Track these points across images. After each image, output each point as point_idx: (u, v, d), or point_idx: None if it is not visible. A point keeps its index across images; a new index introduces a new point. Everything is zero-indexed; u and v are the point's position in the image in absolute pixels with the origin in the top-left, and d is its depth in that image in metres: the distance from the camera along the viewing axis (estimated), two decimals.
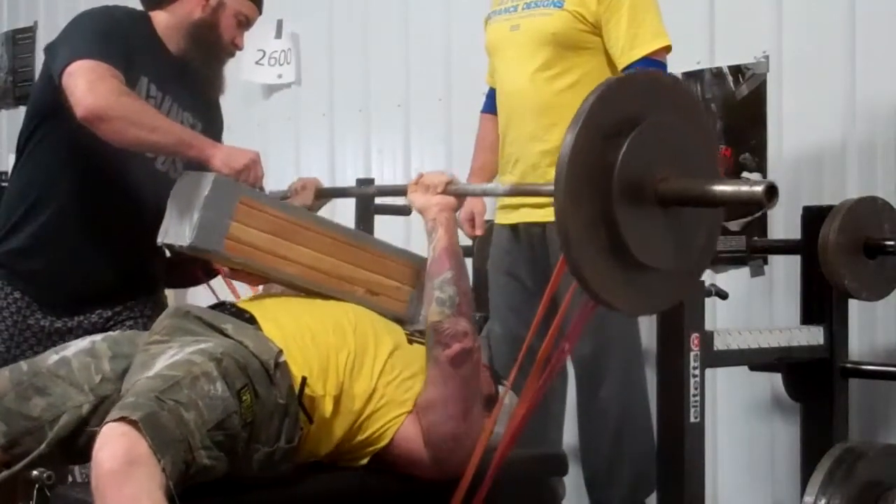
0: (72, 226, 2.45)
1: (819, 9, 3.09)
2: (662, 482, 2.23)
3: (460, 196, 2.26)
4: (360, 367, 2.05)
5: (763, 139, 3.17)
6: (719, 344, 2.29)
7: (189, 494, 1.72)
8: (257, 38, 4.04)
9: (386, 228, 3.50)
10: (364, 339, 2.08)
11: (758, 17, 3.20)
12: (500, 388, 2.24)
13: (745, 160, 3.19)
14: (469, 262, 2.85)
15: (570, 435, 2.96)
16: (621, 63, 2.67)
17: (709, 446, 2.29)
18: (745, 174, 3.17)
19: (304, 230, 2.26)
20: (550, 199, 2.62)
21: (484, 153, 2.99)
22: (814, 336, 2.59)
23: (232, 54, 2.58)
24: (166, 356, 1.90)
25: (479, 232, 2.97)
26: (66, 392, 1.98)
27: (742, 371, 2.97)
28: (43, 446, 1.91)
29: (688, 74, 3.26)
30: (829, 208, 2.63)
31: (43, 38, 5.53)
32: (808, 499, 2.31)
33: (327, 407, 2.00)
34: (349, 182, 4.04)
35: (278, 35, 4.49)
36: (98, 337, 2.11)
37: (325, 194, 2.56)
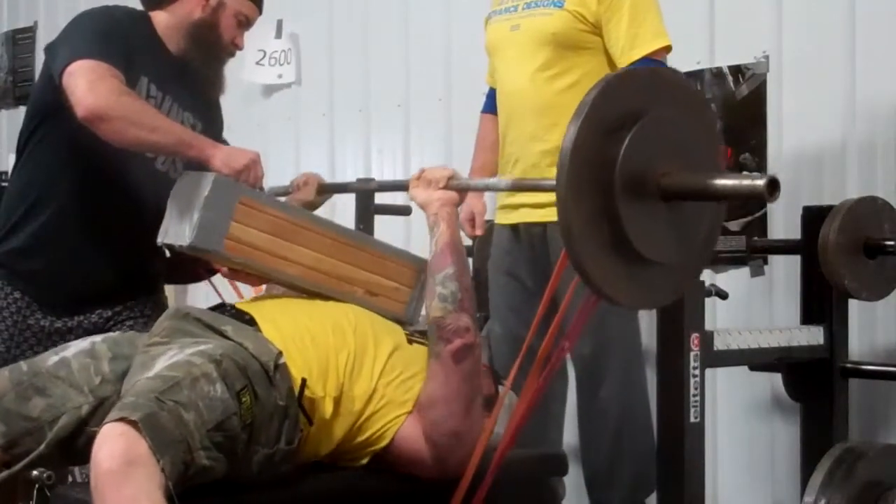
0: (72, 226, 2.45)
1: (819, 9, 3.09)
2: (662, 482, 2.23)
3: (462, 191, 2.25)
4: (359, 368, 2.05)
5: (763, 139, 3.17)
6: (719, 344, 2.29)
7: (188, 494, 1.72)
8: (257, 38, 4.03)
9: (386, 228, 3.50)
10: (364, 340, 2.08)
11: (758, 17, 3.20)
12: (500, 388, 2.24)
13: (745, 160, 3.19)
14: (469, 262, 2.85)
15: (570, 435, 2.96)
16: (621, 63, 2.68)
17: (709, 446, 2.29)
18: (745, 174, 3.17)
19: (304, 231, 2.25)
20: (551, 200, 2.64)
21: (484, 153, 2.99)
22: (814, 336, 2.59)
23: (232, 54, 2.58)
24: (166, 357, 1.90)
25: (479, 232, 2.97)
26: (65, 393, 1.98)
27: (742, 371, 2.97)
28: (42, 447, 1.91)
29: (688, 74, 3.25)
30: (829, 208, 2.63)
31: (43, 38, 5.53)
32: (808, 499, 2.31)
33: (327, 408, 1.99)
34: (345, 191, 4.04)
35: (278, 35, 4.49)
36: (98, 338, 2.11)
37: (327, 189, 2.56)
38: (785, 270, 3.10)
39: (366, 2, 4.31)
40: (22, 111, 3.39)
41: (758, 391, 3.18)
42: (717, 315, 3.05)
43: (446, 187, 2.20)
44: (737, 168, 3.19)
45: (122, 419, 1.69)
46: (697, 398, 2.16)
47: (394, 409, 2.05)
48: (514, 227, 2.85)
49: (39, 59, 4.38)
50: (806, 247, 2.67)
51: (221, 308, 2.14)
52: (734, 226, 3.19)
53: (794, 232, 2.84)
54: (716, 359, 2.30)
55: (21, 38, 5.88)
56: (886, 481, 2.37)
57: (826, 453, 2.38)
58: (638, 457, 2.70)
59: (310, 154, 4.46)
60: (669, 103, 1.82)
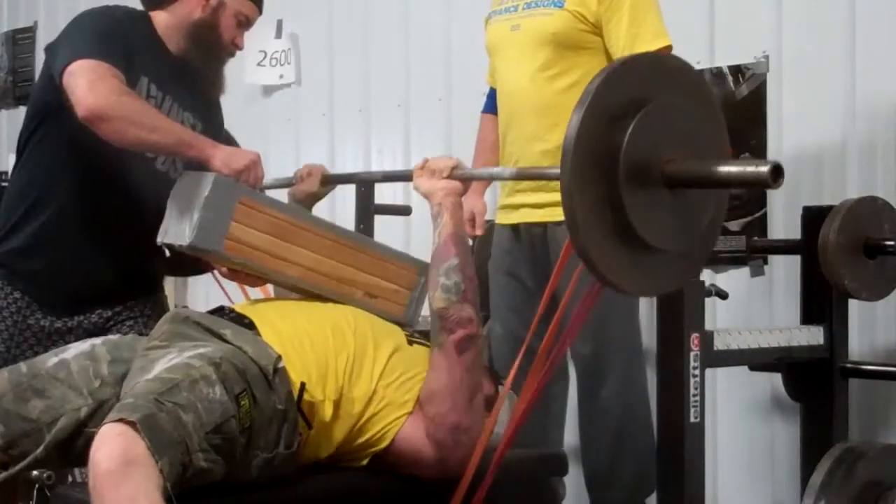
0: (72, 226, 2.45)
1: (819, 9, 3.09)
2: (662, 482, 2.23)
3: (466, 180, 2.24)
4: (359, 370, 2.04)
5: (763, 139, 3.17)
6: (719, 344, 2.29)
7: (187, 494, 1.72)
8: (257, 38, 4.03)
9: (386, 229, 3.50)
10: (363, 342, 2.08)
11: (758, 17, 3.20)
12: (500, 388, 2.24)
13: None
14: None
15: (570, 435, 2.96)
16: None
17: (709, 446, 2.28)
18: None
19: (304, 232, 2.25)
20: (551, 200, 2.65)
21: (485, 153, 2.99)
22: (814, 336, 2.59)
23: (232, 54, 2.58)
24: (165, 360, 1.90)
25: (479, 232, 2.97)
26: (64, 395, 1.98)
27: (742, 371, 2.97)
28: (40, 449, 1.91)
29: None
30: (829, 208, 2.64)
31: (43, 38, 5.53)
32: (808, 499, 2.30)
33: (327, 411, 1.99)
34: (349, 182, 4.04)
35: (278, 35, 4.49)
36: (98, 340, 2.12)
37: (330, 181, 2.56)
38: (785, 270, 3.10)
39: (366, 2, 4.31)
40: (22, 111, 3.39)
41: (758, 391, 3.18)
42: (717, 315, 3.05)
43: (450, 177, 2.19)
44: None
45: (120, 420, 1.69)
46: (697, 398, 2.16)
47: (394, 411, 2.05)
48: (515, 227, 2.85)
49: (39, 59, 4.38)
50: (806, 247, 2.67)
51: (220, 312, 2.14)
52: (734, 226, 3.19)
53: (794, 232, 2.84)
54: (716, 359, 2.30)
55: (21, 38, 5.87)
56: (886, 481, 2.37)
57: (826, 453, 2.37)
58: (638, 457, 2.70)
59: (310, 154, 4.45)
60: (673, 91, 1.82)
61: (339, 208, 3.80)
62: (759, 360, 2.58)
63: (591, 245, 1.73)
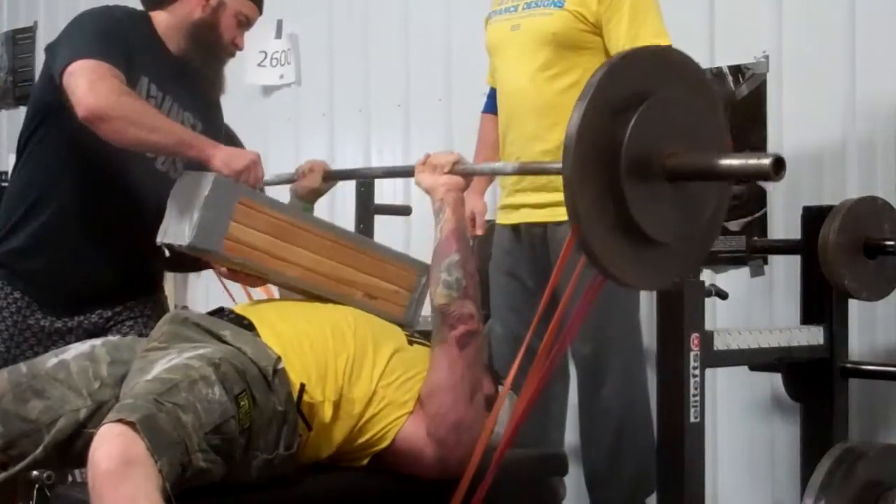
0: (72, 226, 2.45)
1: (819, 9, 3.09)
2: (662, 482, 2.23)
3: (468, 175, 2.24)
4: (359, 371, 2.04)
5: (763, 139, 3.17)
6: (719, 344, 2.29)
7: (187, 494, 1.72)
8: (258, 38, 4.03)
9: (386, 229, 3.50)
10: (363, 343, 2.08)
11: (758, 17, 3.20)
12: (500, 388, 2.24)
13: None
14: None
15: (570, 435, 2.96)
16: None
17: (709, 446, 2.29)
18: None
19: (304, 232, 2.25)
20: (552, 200, 2.65)
21: (485, 153, 2.99)
22: (814, 336, 2.59)
23: (232, 54, 2.58)
24: (164, 361, 1.90)
25: (479, 232, 2.97)
26: (64, 396, 1.98)
27: (742, 371, 2.97)
28: (39, 450, 1.91)
29: None
30: (829, 208, 2.64)
31: (43, 38, 5.53)
32: (808, 499, 2.30)
33: (326, 412, 1.99)
34: (349, 182, 4.04)
35: (278, 35, 4.49)
36: (98, 342, 2.11)
37: (332, 177, 2.55)
38: (785, 270, 3.10)
39: (366, 2, 4.31)
40: (22, 111, 3.39)
41: (758, 391, 3.18)
42: (717, 315, 3.05)
43: (452, 172, 2.18)
44: None
45: (120, 420, 1.69)
46: (697, 398, 2.16)
47: (395, 411, 2.05)
48: (515, 228, 2.85)
49: (39, 59, 4.38)
50: (806, 247, 2.67)
51: (220, 313, 2.14)
52: (734, 226, 3.19)
53: (794, 232, 2.84)
54: (716, 359, 2.30)
55: (21, 38, 5.88)
56: (886, 481, 2.37)
57: (826, 453, 2.37)
58: (638, 456, 2.70)
59: (310, 154, 4.39)
60: (675, 84, 1.82)
61: (338, 208, 3.80)
62: (759, 360, 2.58)
63: (593, 238, 1.73)
